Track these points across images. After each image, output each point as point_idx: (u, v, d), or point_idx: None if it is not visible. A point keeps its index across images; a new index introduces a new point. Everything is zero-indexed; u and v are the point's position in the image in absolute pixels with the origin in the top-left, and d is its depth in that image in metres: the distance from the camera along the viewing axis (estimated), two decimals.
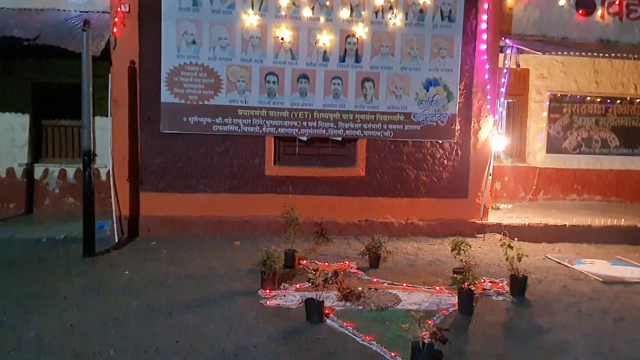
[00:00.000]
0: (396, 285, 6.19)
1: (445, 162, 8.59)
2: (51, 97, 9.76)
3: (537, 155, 11.06)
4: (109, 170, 7.85)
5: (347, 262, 7.02)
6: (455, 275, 5.60)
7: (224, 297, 5.58)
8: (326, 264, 6.95)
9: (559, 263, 7.41)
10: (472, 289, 5.39)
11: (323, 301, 5.02)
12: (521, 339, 4.76)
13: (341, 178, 8.37)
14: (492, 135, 8.64)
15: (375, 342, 4.54)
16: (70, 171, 9.84)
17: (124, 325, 4.73)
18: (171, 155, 7.96)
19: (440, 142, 8.54)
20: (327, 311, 5.19)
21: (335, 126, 8.20)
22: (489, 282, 6.39)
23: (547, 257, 7.71)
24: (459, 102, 8.50)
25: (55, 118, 9.80)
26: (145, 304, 5.27)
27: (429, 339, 4.09)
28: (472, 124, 8.59)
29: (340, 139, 8.31)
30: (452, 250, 6.31)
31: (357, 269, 6.80)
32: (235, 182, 8.13)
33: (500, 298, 5.88)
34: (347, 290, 5.84)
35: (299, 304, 5.32)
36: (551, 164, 11.09)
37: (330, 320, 5.01)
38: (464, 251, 6.27)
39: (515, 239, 8.34)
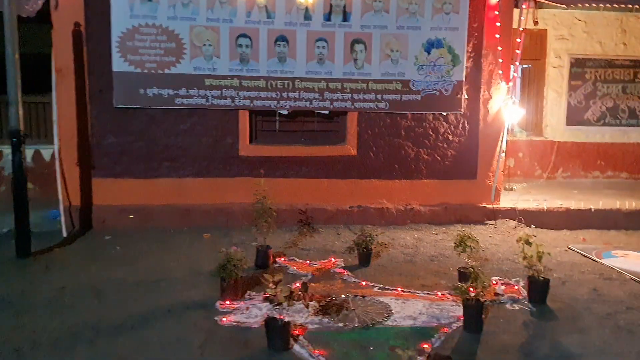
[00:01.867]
0: (388, 290, 5.06)
1: (451, 137, 7.36)
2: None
3: (556, 127, 9.81)
4: (53, 152, 6.72)
5: (332, 259, 5.90)
6: (459, 282, 4.43)
7: (171, 311, 4.48)
8: (307, 262, 5.83)
9: (584, 256, 6.25)
10: (482, 300, 4.24)
11: (289, 322, 3.91)
12: None
13: (329, 158, 7.18)
14: (505, 106, 7.38)
15: None
16: (28, 153, 8.63)
17: (25, 359, 3.65)
18: (128, 134, 6.80)
19: (445, 114, 7.30)
20: (296, 331, 4.09)
21: (320, 97, 6.98)
22: (502, 283, 5.26)
23: (570, 249, 6.54)
24: (466, 67, 7.24)
25: (4, 93, 8.63)
26: (68, 324, 4.18)
27: None
28: (482, 93, 7.33)
29: (326, 112, 7.09)
30: (456, 247, 5.16)
31: (344, 267, 5.68)
32: (204, 165, 6.97)
33: (516, 307, 4.74)
34: (327, 300, 4.75)
35: (264, 321, 4.20)
36: (571, 137, 9.83)
37: (299, 346, 3.90)
38: (470, 248, 5.11)
39: (532, 226, 7.27)
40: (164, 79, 6.67)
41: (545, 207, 7.51)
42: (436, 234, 7.00)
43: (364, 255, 5.77)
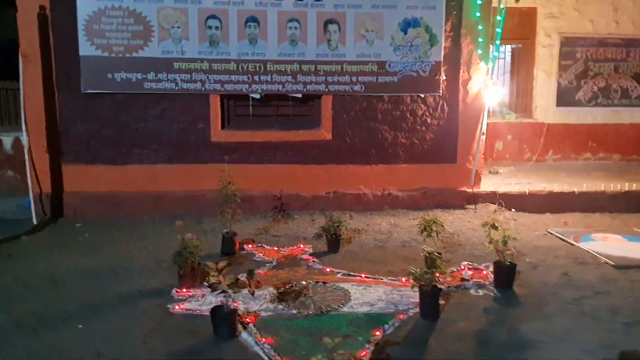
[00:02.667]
0: (352, 276, 4.93)
1: (429, 120, 7.18)
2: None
3: (546, 109, 9.59)
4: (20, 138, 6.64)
5: (301, 246, 5.77)
6: (414, 268, 4.25)
7: (126, 300, 4.38)
8: (275, 248, 5.71)
9: (562, 240, 6.07)
10: (438, 286, 4.10)
11: (235, 310, 3.80)
12: None
13: (303, 143, 7.03)
14: (485, 87, 7.17)
15: None
16: (7, 140, 8.58)
17: None
18: (97, 120, 6.68)
19: (423, 96, 7.10)
20: (247, 319, 3.98)
21: (293, 80, 6.80)
22: (470, 269, 5.11)
23: (549, 233, 6.37)
24: (445, 47, 7.03)
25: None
26: (15, 314, 4.09)
27: None
28: (461, 74, 7.13)
29: (299, 95, 6.92)
30: (421, 232, 5.00)
31: (312, 254, 5.55)
32: (175, 151, 6.84)
33: (481, 292, 4.61)
34: (286, 287, 4.63)
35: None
36: (562, 119, 9.61)
37: (247, 334, 3.80)
38: (436, 232, 4.95)
39: (512, 210, 7.10)
40: (132, 63, 6.52)
41: (527, 191, 7.32)
42: (413, 219, 6.82)
43: (333, 242, 5.64)
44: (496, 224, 4.70)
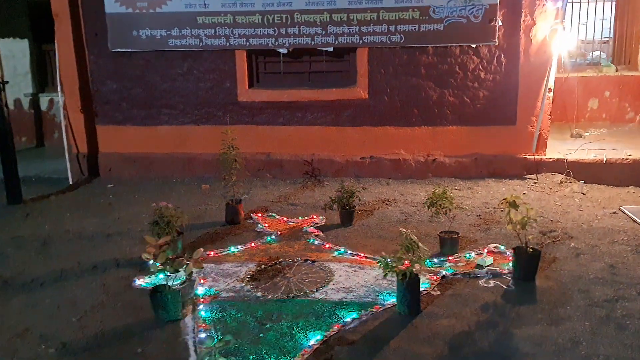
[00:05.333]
0: (349, 255, 4.34)
1: (483, 75, 6.17)
2: (50, 18, 8.77)
3: None
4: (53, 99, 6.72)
5: (313, 217, 5.25)
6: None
7: (97, 269, 4.18)
8: (284, 219, 5.25)
9: (634, 221, 4.95)
10: (418, 274, 3.40)
11: (178, 292, 3.42)
12: None
13: (337, 102, 6.38)
14: (553, 33, 5.98)
15: None
16: (44, 101, 9.00)
17: None
18: (126, 80, 6.56)
19: (474, 46, 6.10)
20: (204, 299, 3.61)
21: (323, 32, 6.14)
22: (495, 253, 4.28)
23: (621, 210, 5.24)
24: None
25: (51, 42, 8.84)
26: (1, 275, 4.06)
27: None
28: (523, 18, 5.99)
29: (330, 49, 6.25)
30: (428, 206, 4.26)
31: (319, 227, 5.01)
32: (203, 112, 6.55)
33: (491, 284, 3.81)
34: (268, 264, 4.19)
35: (183, 283, 3.76)
36: None
37: (190, 318, 3.42)
38: (446, 209, 4.19)
39: (582, 181, 5.97)
40: (156, 19, 6.26)
41: (605, 159, 6.10)
42: (459, 190, 5.99)
43: (346, 214, 5.05)
44: (516, 201, 3.80)
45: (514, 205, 3.83)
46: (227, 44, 6.25)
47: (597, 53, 8.80)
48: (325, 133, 6.41)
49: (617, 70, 8.29)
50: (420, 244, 3.33)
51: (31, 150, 8.84)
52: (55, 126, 9.04)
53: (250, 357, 2.95)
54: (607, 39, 8.89)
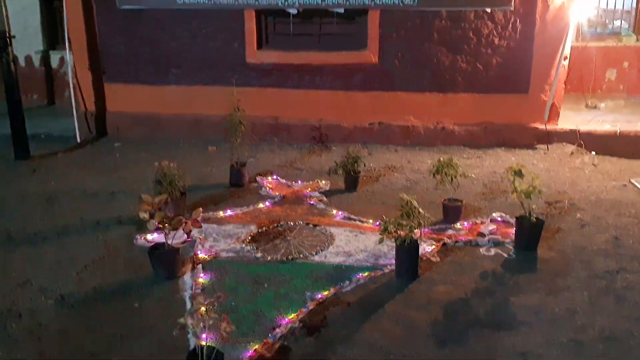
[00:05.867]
0: (351, 220, 4.32)
1: (497, 41, 6.01)
2: None
3: None
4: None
5: (318, 182, 5.22)
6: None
7: (100, 226, 4.22)
8: (288, 183, 5.23)
9: None
10: (416, 239, 3.37)
11: (177, 250, 3.42)
12: (452, 342, 2.77)
13: (347, 66, 6.27)
14: (571, 0, 5.80)
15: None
16: (55, 58, 8.92)
17: None
18: (134, 38, 6.49)
19: (489, 11, 5.92)
20: (204, 259, 3.62)
21: None
22: (499, 222, 4.23)
23: (631, 183, 5.14)
24: None
25: None
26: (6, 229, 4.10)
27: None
28: None
29: (341, 10, 6.11)
30: (434, 174, 4.21)
31: (323, 192, 4.98)
32: (211, 72, 6.48)
33: (492, 252, 3.79)
34: (269, 227, 4.18)
35: (183, 242, 3.77)
36: None
37: (189, 276, 3.44)
38: (451, 177, 4.13)
39: (593, 152, 5.86)
40: None
41: (619, 131, 5.97)
42: (467, 159, 5.91)
43: (350, 180, 5.02)
44: (519, 169, 3.73)
45: (519, 173, 3.77)
46: (236, 2, 6.13)
47: (618, 22, 8.52)
48: (334, 97, 6.33)
49: (637, 40, 8.04)
50: (420, 210, 3.30)
51: (42, 108, 8.83)
52: (66, 84, 8.88)
53: (247, 315, 2.97)
54: (630, 8, 8.59)
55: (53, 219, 4.33)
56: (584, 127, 6.05)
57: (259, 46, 6.40)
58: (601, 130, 6.02)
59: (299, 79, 6.34)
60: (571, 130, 6.04)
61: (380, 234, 3.31)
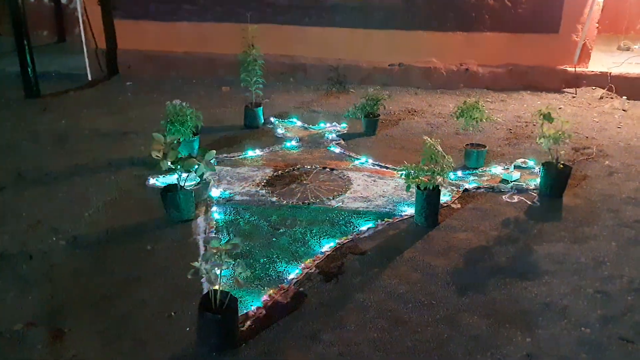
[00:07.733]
0: (370, 166, 4.18)
1: None
2: None
3: None
4: None
5: (335, 125, 5.06)
6: (410, 165, 3.32)
7: (112, 166, 4.14)
8: (305, 125, 5.07)
9: None
10: (439, 186, 3.23)
11: (191, 192, 3.33)
12: (464, 289, 2.68)
13: (366, 2, 5.96)
14: None
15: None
16: None
17: None
18: None
19: None
20: (218, 201, 3.53)
21: None
22: (520, 168, 4.06)
23: None
24: None
25: None
26: (17, 169, 4.03)
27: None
28: None
29: None
30: (457, 117, 4.02)
31: (341, 135, 4.83)
32: (225, 7, 6.21)
33: (516, 199, 3.65)
34: (285, 170, 4.06)
35: (197, 184, 3.69)
36: None
37: (202, 219, 3.36)
38: (476, 120, 3.95)
39: (624, 97, 5.60)
40: None
41: None
42: (490, 102, 5.69)
43: (369, 123, 4.85)
44: (548, 112, 3.54)
45: (548, 117, 3.58)
46: None
47: None
48: (353, 36, 6.06)
49: None
50: (445, 154, 3.14)
51: (52, 46, 8.65)
52: (76, 20, 8.75)
53: (262, 260, 2.89)
54: None
55: (64, 158, 4.25)
56: (615, 70, 5.75)
57: None
58: (633, 73, 5.72)
59: (317, 15, 6.07)
60: (601, 73, 5.76)
61: (404, 180, 3.17)
